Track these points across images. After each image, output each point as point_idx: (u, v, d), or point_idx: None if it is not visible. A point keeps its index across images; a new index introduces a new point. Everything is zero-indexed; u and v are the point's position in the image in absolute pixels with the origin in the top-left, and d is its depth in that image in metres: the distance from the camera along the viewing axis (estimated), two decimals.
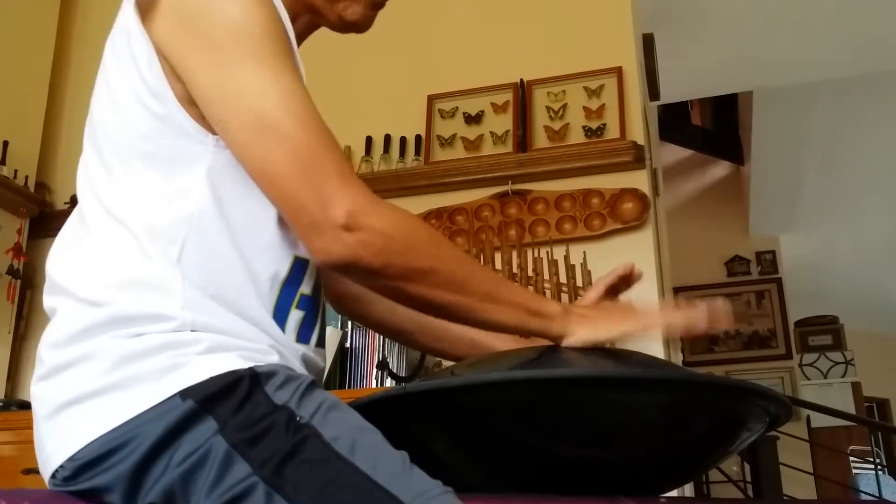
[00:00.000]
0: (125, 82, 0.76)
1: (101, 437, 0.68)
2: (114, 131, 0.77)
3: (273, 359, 0.73)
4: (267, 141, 0.71)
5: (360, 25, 0.90)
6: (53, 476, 0.72)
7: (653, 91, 2.80)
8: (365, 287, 0.77)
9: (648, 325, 0.85)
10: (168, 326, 0.71)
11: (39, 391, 0.74)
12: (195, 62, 0.72)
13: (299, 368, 0.78)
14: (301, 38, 0.88)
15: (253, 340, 0.74)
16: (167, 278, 0.72)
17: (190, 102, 0.74)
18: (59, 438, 0.71)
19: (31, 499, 0.71)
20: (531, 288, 1.89)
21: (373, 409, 0.81)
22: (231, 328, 0.73)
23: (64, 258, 0.78)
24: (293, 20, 0.84)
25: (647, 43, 2.72)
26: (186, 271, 0.73)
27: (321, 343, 0.85)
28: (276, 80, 0.72)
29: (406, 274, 0.74)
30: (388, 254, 0.72)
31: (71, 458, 0.70)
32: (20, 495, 0.71)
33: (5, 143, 2.42)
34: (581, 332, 0.82)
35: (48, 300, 0.79)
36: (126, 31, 0.76)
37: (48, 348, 0.75)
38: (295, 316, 0.78)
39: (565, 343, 0.82)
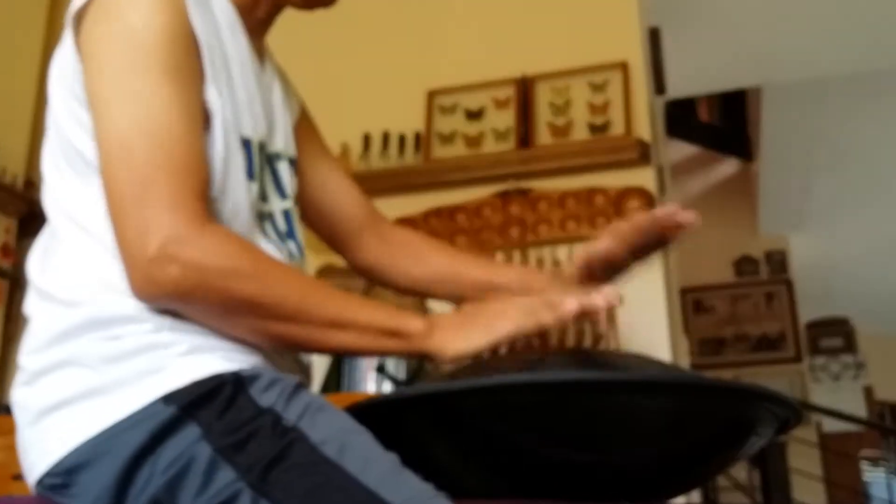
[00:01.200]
0: (60, 93, 0.76)
1: (84, 442, 0.68)
2: (58, 142, 0.77)
3: (256, 359, 0.72)
4: (115, 157, 0.69)
5: (326, 0, 0.87)
6: (40, 483, 0.71)
7: (659, 86, 2.76)
8: (200, 320, 0.71)
9: (537, 321, 0.75)
10: (144, 328, 0.70)
11: (21, 398, 0.74)
12: (88, 66, 0.72)
13: (283, 366, 0.77)
14: (266, 22, 0.87)
15: (233, 339, 0.72)
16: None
17: None
18: (42, 445, 0.70)
19: None
20: None
21: (372, 413, 0.81)
22: (210, 327, 0.71)
23: (38, 261, 0.78)
24: (253, 6, 0.83)
25: (654, 36, 2.67)
26: None
27: None
28: (150, 93, 0.70)
29: (229, 308, 0.69)
30: (202, 287, 0.67)
31: (56, 465, 0.69)
32: (9, 502, 0.73)
33: None
34: (453, 344, 0.74)
35: (26, 304, 0.79)
36: (63, 40, 0.77)
37: (28, 354, 0.75)
38: None
39: (441, 360, 0.75)
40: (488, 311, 0.77)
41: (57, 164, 0.77)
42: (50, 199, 0.79)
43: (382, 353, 0.79)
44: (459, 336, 0.75)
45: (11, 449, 2.01)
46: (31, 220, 2.44)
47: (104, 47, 0.71)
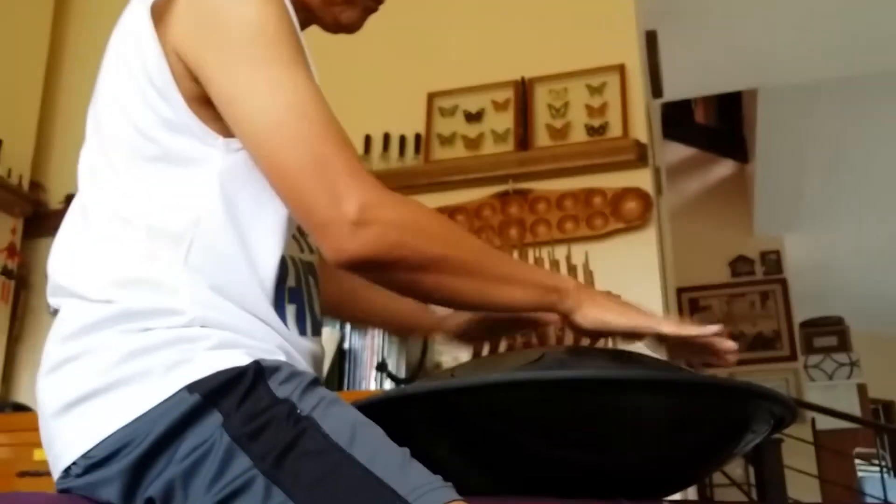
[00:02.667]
0: (132, 84, 0.77)
1: (114, 432, 0.69)
2: (120, 133, 0.77)
3: (280, 358, 0.74)
4: (279, 139, 0.71)
5: (352, 27, 0.92)
6: (66, 473, 0.72)
7: (656, 88, 2.78)
8: (377, 283, 0.76)
9: (657, 326, 0.85)
10: (178, 321, 0.71)
11: (46, 386, 0.75)
12: (212, 61, 0.73)
13: (305, 364, 0.79)
14: None
15: (262, 339, 0.74)
16: (174, 277, 0.73)
17: (199, 103, 0.74)
18: (70, 436, 0.71)
19: (25, 502, 0.72)
20: None
21: (372, 410, 0.80)
22: (240, 325, 0.74)
23: (66, 259, 0.78)
24: None
25: (651, 40, 2.69)
26: (194, 271, 0.73)
27: (317, 331, 0.86)
28: (289, 79, 0.72)
29: (421, 264, 0.73)
30: (402, 246, 0.72)
31: (84, 456, 0.70)
32: (15, 499, 0.72)
33: None
34: (592, 312, 0.83)
35: (53, 300, 0.79)
36: (135, 33, 0.77)
37: (55, 343, 0.75)
38: (290, 310, 0.80)
39: (575, 320, 0.83)
40: (628, 303, 0.87)
41: (110, 160, 0.78)
42: (90, 187, 0.79)
43: (539, 308, 0.83)
44: (602, 306, 0.83)
45: (17, 447, 2.03)
46: (37, 220, 2.45)
47: (221, 41, 0.73)
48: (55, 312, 0.78)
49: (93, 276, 0.75)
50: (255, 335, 0.74)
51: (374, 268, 0.72)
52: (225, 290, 0.74)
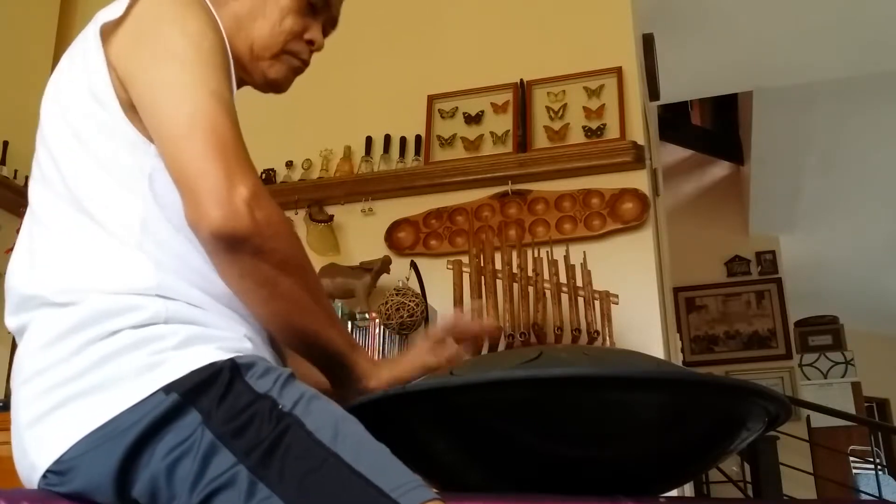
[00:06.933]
0: (75, 90, 0.80)
1: (86, 436, 0.69)
2: (62, 136, 0.80)
3: (248, 347, 0.75)
4: (197, 126, 0.73)
5: (281, 84, 0.95)
6: (43, 479, 0.72)
7: (653, 91, 2.80)
8: (237, 270, 0.76)
9: (450, 358, 0.93)
10: (142, 317, 0.72)
11: (20, 397, 0.75)
12: (143, 65, 0.77)
13: (269, 354, 0.80)
14: None
15: (227, 329, 0.75)
16: (138, 265, 0.75)
17: (133, 111, 0.77)
18: (42, 443, 0.72)
19: (29, 498, 0.72)
20: (531, 289, 1.89)
21: (373, 408, 0.83)
22: (204, 316, 0.75)
23: (28, 269, 0.80)
24: None
25: (647, 43, 2.72)
26: (153, 262, 0.75)
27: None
28: (216, 83, 0.76)
29: (286, 263, 0.76)
30: (278, 237, 0.75)
31: (57, 461, 0.70)
32: (19, 495, 0.72)
33: (5, 143, 2.42)
34: (383, 373, 0.88)
35: (17, 319, 0.79)
36: (84, 46, 0.81)
37: (28, 354, 0.76)
38: None
39: (369, 384, 0.87)
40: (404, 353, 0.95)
41: (59, 169, 0.80)
42: (45, 192, 0.81)
43: (343, 360, 0.86)
44: (387, 365, 0.90)
45: None
46: None
47: (162, 49, 0.77)
48: (20, 330, 0.79)
49: (55, 280, 0.76)
50: (220, 325, 0.75)
51: (251, 248, 0.73)
52: (185, 275, 0.76)
